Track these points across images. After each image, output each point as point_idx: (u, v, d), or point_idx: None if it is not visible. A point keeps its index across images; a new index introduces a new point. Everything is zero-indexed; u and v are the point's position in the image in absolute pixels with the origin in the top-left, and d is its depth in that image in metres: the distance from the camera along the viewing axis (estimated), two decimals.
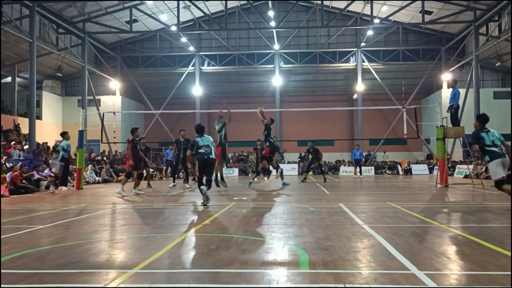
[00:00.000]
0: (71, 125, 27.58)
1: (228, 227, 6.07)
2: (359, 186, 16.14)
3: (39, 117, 26.89)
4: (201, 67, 32.41)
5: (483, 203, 8.96)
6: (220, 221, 6.73)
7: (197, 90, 32.02)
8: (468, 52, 28.66)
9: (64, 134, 14.00)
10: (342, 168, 28.61)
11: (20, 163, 15.18)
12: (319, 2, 26.41)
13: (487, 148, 7.85)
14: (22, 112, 26.18)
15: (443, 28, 29.71)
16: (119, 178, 19.02)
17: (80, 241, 5.02)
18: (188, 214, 7.60)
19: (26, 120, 22.78)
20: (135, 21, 28.21)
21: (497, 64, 26.52)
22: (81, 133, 15.82)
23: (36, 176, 14.82)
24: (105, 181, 19.58)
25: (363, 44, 30.82)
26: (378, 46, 31.18)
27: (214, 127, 12.72)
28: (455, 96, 13.45)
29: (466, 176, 19.97)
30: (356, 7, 29.27)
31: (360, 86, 31.12)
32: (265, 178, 15.61)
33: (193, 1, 26.81)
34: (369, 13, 26.28)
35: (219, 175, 12.28)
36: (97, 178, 19.30)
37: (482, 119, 8.28)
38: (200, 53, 32.27)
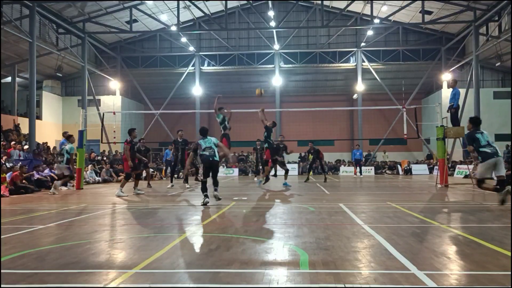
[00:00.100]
0: (71, 125, 27.59)
1: (228, 227, 6.07)
2: (359, 186, 16.14)
3: (39, 117, 26.89)
4: (201, 67, 32.42)
5: (483, 203, 8.95)
6: (220, 221, 6.73)
7: (197, 90, 32.02)
8: (468, 52, 28.66)
9: (69, 137, 14.04)
10: (342, 168, 28.60)
11: (20, 163, 15.18)
12: (319, 2, 26.41)
13: (481, 149, 8.07)
14: (22, 112, 26.18)
15: (443, 28, 29.71)
16: (119, 178, 19.02)
17: (80, 241, 5.02)
18: (188, 214, 7.60)
19: (26, 120, 22.78)
20: (135, 21, 28.21)
21: (497, 64, 26.52)
22: (81, 133, 15.82)
23: (36, 176, 14.83)
24: (105, 181, 19.59)
25: (363, 44, 30.82)
26: (378, 46, 31.18)
27: (214, 127, 12.71)
28: (455, 96, 13.45)
29: (466, 176, 19.96)
30: (356, 7, 29.27)
31: (360, 86, 31.12)
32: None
33: (193, 1, 26.80)
34: (369, 13, 26.28)
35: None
36: (97, 178, 19.31)
37: (475, 121, 8.50)
38: (200, 53, 32.27)
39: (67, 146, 13.55)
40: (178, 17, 25.99)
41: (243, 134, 28.26)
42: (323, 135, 31.21)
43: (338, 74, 33.19)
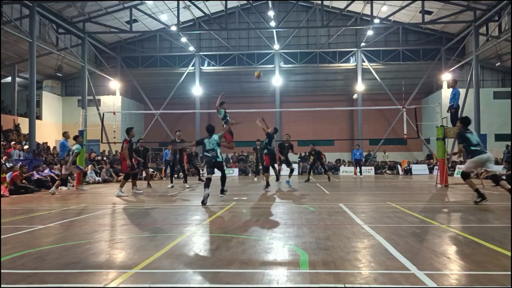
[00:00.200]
0: (71, 125, 27.59)
1: (228, 227, 6.07)
2: (359, 186, 16.14)
3: (39, 117, 26.90)
4: (201, 67, 32.42)
5: (483, 203, 8.94)
6: (220, 221, 6.73)
7: (197, 90, 32.02)
8: (468, 52, 28.66)
9: (76, 138, 14.13)
10: (342, 168, 28.60)
11: (20, 163, 15.18)
12: (319, 2, 26.41)
13: (472, 148, 8.34)
14: (22, 112, 26.19)
15: (443, 28, 29.71)
16: (119, 178, 19.02)
17: (80, 241, 5.02)
18: (188, 214, 7.60)
19: (26, 120, 22.78)
20: (135, 21, 28.21)
21: (497, 64, 26.52)
22: (81, 133, 15.82)
23: (36, 176, 14.82)
24: (105, 181, 19.58)
25: (363, 44, 30.82)
26: (378, 46, 31.18)
27: (216, 127, 12.68)
28: (455, 96, 13.44)
29: None
30: (356, 7, 29.27)
31: (360, 86, 31.12)
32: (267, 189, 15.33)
33: (193, 1, 26.81)
34: (369, 13, 26.28)
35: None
36: (97, 178, 19.30)
37: (465, 121, 8.79)
38: (200, 53, 32.28)
39: (75, 146, 13.65)
40: (178, 17, 25.99)
41: (243, 134, 28.18)
42: (323, 135, 31.23)
43: (338, 74, 33.19)
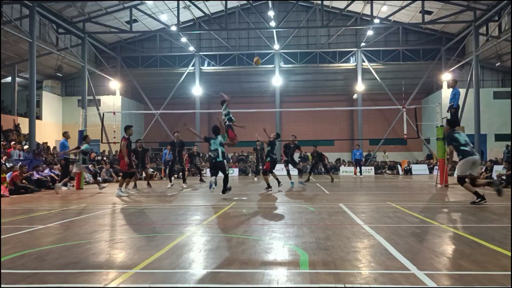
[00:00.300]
0: (71, 125, 27.59)
1: (228, 227, 6.07)
2: (359, 186, 16.14)
3: (39, 117, 26.89)
4: (201, 67, 32.42)
5: (483, 203, 8.94)
6: (220, 221, 6.73)
7: (197, 90, 32.02)
8: (468, 52, 28.66)
9: (85, 137, 14.28)
10: (342, 168, 28.59)
11: (20, 163, 15.19)
12: (319, 2, 26.40)
13: (461, 148, 8.58)
14: (22, 112, 26.19)
15: (443, 28, 29.71)
16: (119, 178, 19.00)
17: (80, 241, 5.02)
18: (187, 214, 7.60)
19: (26, 120, 22.77)
20: (135, 21, 28.20)
21: (497, 64, 26.52)
22: (81, 133, 15.83)
23: (36, 176, 14.83)
24: (105, 181, 19.51)
25: (363, 44, 30.81)
26: (378, 46, 31.18)
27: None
28: (455, 96, 13.43)
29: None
30: (356, 7, 29.27)
31: (360, 86, 31.12)
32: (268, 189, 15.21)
33: (193, 1, 26.80)
34: (369, 13, 26.27)
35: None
36: (97, 178, 19.26)
37: (451, 123, 9.11)
38: (200, 53, 32.27)
39: (83, 146, 13.74)
40: (178, 17, 25.98)
41: (243, 134, 28.04)
42: (323, 135, 31.22)
43: (338, 74, 33.18)
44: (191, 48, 31.60)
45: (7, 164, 15.16)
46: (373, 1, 26.00)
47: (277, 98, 31.84)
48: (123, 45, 32.19)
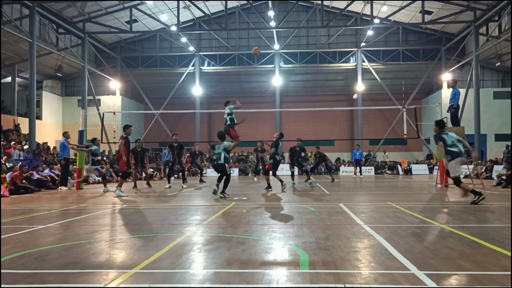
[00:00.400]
0: (71, 125, 27.59)
1: (228, 227, 6.07)
2: (359, 186, 16.14)
3: (39, 117, 26.89)
4: (201, 67, 32.42)
5: (483, 203, 8.95)
6: (220, 221, 6.73)
7: (197, 90, 32.02)
8: (468, 52, 28.66)
9: (94, 140, 14.40)
10: (342, 168, 28.61)
11: (20, 163, 15.19)
12: (319, 2, 26.41)
13: (449, 148, 8.79)
14: (22, 112, 26.19)
15: (443, 28, 29.71)
16: (119, 178, 19.00)
17: (80, 241, 5.02)
18: (187, 214, 7.60)
19: (26, 120, 22.78)
20: (135, 21, 28.21)
21: (497, 64, 26.52)
22: (81, 133, 15.83)
23: (36, 176, 14.82)
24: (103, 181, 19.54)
25: (363, 44, 30.82)
26: (378, 46, 31.18)
27: (214, 127, 12.74)
28: (455, 96, 13.44)
29: (466, 176, 19.91)
30: (356, 7, 29.27)
31: (360, 86, 31.12)
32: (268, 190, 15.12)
33: (193, 1, 26.81)
34: (369, 13, 26.28)
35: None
36: (97, 178, 19.25)
37: (440, 124, 9.32)
38: (200, 53, 32.28)
39: (92, 148, 13.85)
40: (178, 17, 25.99)
41: (243, 134, 28.08)
42: (323, 135, 31.23)
43: (338, 74, 33.19)
44: (191, 48, 31.61)
45: (7, 164, 15.16)
46: (373, 1, 26.00)
47: (277, 98, 31.85)
48: (123, 45, 32.20)
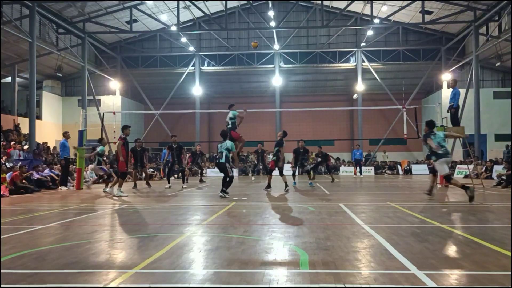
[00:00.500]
0: (71, 125, 27.59)
1: (228, 227, 6.07)
2: (359, 186, 16.14)
3: (39, 117, 26.89)
4: (201, 67, 32.42)
5: (483, 203, 8.95)
6: (220, 221, 6.73)
7: (197, 90, 32.02)
8: (468, 52, 28.66)
9: (101, 140, 14.44)
10: (342, 168, 28.60)
11: (20, 163, 15.19)
12: (319, 2, 26.40)
13: (434, 150, 9.14)
14: (22, 112, 26.18)
15: (443, 28, 29.71)
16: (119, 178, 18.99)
17: (80, 241, 5.02)
18: (187, 214, 7.60)
19: (26, 120, 22.77)
20: (135, 21, 28.21)
21: (497, 64, 26.51)
22: (81, 133, 15.83)
23: (36, 176, 14.82)
24: (105, 181, 19.54)
25: (363, 44, 30.81)
26: (378, 46, 31.18)
27: (214, 127, 12.78)
28: (455, 96, 13.44)
29: (466, 176, 19.97)
30: (356, 7, 29.27)
31: (360, 86, 31.12)
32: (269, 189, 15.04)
33: (193, 1, 26.81)
34: (369, 13, 26.28)
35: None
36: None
37: (429, 124, 9.66)
38: (200, 53, 32.28)
39: (98, 148, 13.93)
40: (178, 17, 25.98)
41: (243, 134, 28.23)
42: (323, 135, 31.22)
43: (338, 74, 33.19)
44: (191, 48, 31.60)
45: (7, 164, 15.16)
46: (373, 1, 26.00)
47: (277, 98, 31.85)
48: (123, 45, 32.20)
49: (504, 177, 14.55)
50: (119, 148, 11.64)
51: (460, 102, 17.12)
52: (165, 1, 26.86)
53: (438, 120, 15.23)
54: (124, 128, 12.13)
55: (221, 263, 3.90)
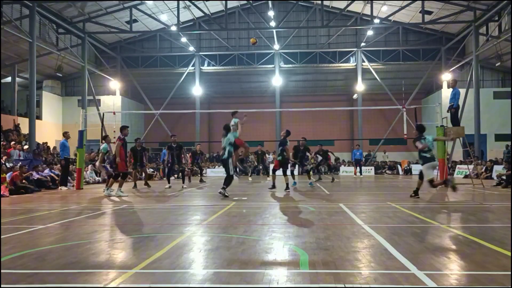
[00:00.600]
0: (71, 125, 27.57)
1: (228, 227, 6.07)
2: (359, 186, 16.14)
3: (39, 117, 26.88)
4: (201, 67, 32.41)
5: (483, 203, 8.96)
6: (220, 221, 6.73)
7: (197, 90, 32.02)
8: (468, 52, 28.65)
9: (105, 137, 14.41)
10: (342, 168, 28.59)
11: (20, 163, 15.19)
12: (319, 2, 26.40)
13: (422, 154, 9.52)
14: (22, 112, 26.18)
15: (443, 28, 29.70)
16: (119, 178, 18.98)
17: (80, 241, 5.02)
18: (187, 214, 7.60)
19: (26, 120, 22.76)
20: (135, 21, 28.20)
21: (497, 64, 26.50)
22: (81, 133, 15.83)
23: (36, 176, 14.82)
24: (105, 181, 19.53)
25: (363, 44, 30.81)
26: (378, 46, 31.18)
27: (214, 127, 12.80)
28: (455, 96, 13.45)
29: (466, 176, 19.96)
30: (356, 7, 29.26)
31: (360, 86, 31.12)
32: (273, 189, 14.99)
33: (193, 1, 26.80)
34: (369, 13, 26.28)
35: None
36: (97, 178, 19.28)
37: (420, 129, 10.12)
38: (200, 53, 32.27)
39: (102, 146, 13.88)
40: (178, 17, 25.98)
41: (243, 134, 28.13)
42: (323, 135, 31.18)
43: (338, 74, 33.19)
44: (191, 48, 31.60)
45: (7, 164, 15.17)
46: (373, 1, 26.00)
47: (277, 98, 31.84)
48: (123, 45, 32.19)
49: (504, 177, 14.55)
50: (117, 149, 11.67)
51: (460, 102, 17.13)
52: (165, 1, 26.86)
53: (438, 120, 15.23)
54: (123, 128, 12.13)
55: (221, 263, 3.90)
